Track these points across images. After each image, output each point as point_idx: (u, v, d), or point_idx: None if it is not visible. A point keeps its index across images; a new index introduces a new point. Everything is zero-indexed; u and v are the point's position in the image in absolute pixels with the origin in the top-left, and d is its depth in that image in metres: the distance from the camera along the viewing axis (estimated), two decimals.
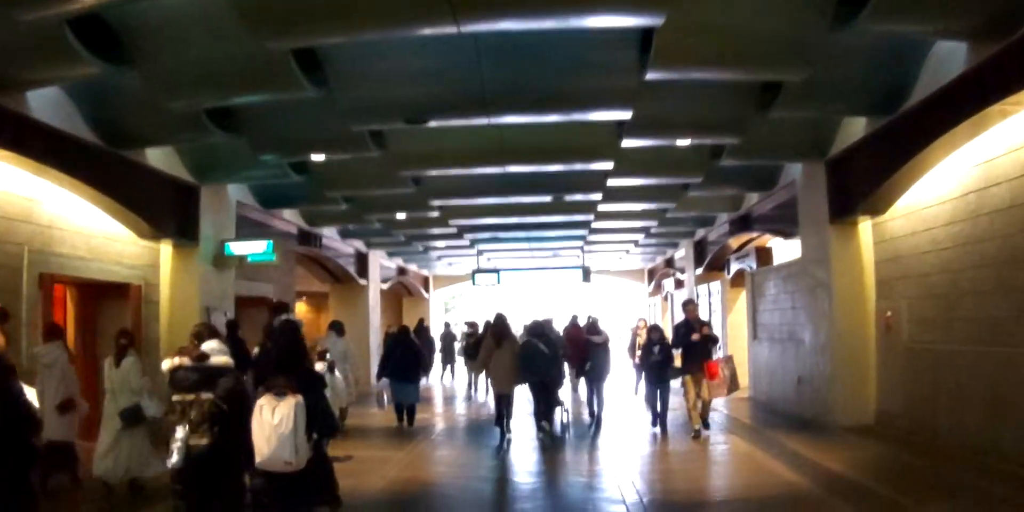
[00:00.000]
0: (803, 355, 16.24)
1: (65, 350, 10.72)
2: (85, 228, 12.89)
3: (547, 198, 19.57)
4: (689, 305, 16.51)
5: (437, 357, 32.89)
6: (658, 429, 16.03)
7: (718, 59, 10.17)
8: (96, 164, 12.21)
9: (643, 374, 16.49)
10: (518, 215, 22.49)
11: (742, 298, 22.25)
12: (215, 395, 7.26)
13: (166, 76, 10.50)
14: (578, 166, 16.31)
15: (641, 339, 19.85)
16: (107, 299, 14.26)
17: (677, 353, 15.56)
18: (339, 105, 11.79)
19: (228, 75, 10.60)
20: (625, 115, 12.29)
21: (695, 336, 15.21)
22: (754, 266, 20.60)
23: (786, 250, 19.32)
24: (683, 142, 14.13)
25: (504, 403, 15.76)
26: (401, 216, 22.07)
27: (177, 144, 14.17)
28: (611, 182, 17.16)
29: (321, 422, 7.85)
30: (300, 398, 7.52)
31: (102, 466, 9.98)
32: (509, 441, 15.50)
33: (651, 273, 40.59)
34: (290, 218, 21.01)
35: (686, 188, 18.34)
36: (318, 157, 14.70)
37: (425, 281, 42.63)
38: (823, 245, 14.81)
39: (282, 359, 8.97)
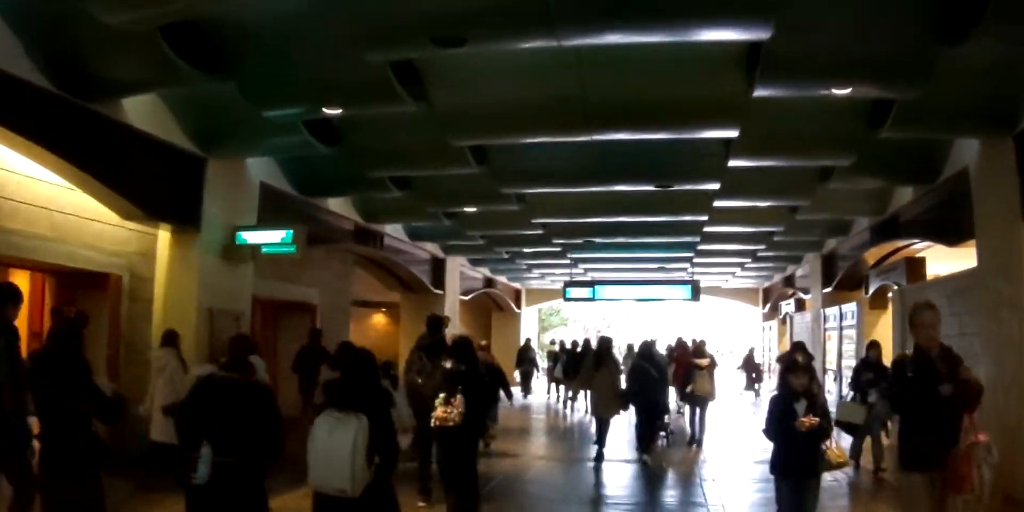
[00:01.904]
0: None
1: (176, 357, 11.39)
2: (50, 200, 10.92)
3: (650, 187, 16.09)
4: (924, 317, 7.22)
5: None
6: None
7: None
8: (51, 118, 9.85)
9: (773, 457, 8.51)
10: (615, 213, 18.92)
11: (883, 322, 19.42)
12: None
13: None
14: (688, 134, 12.74)
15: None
16: (87, 292, 12.08)
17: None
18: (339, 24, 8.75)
19: None
20: (760, 34, 8.60)
21: (948, 388, 6.82)
22: (903, 282, 17.46)
23: (944, 262, 16.71)
24: (841, 91, 10.12)
25: (602, 427, 15.46)
26: (471, 209, 18.76)
27: (147, 90, 11.23)
28: (732, 162, 13.53)
29: (385, 445, 6.87)
30: (364, 418, 6.61)
31: None
32: (603, 458, 15.03)
33: (767, 293, 38.69)
34: (342, 211, 18.27)
35: (827, 176, 14.71)
36: (333, 110, 11.45)
37: (517, 295, 40.32)
38: (1012, 249, 11.42)
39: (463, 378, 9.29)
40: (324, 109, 11.29)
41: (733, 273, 33.26)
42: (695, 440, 17.42)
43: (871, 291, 20.43)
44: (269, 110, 11.28)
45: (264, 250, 13.83)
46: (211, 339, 12.83)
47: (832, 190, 15.77)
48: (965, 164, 12.95)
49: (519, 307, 40.59)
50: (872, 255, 19.74)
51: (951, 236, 14.26)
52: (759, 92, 10.00)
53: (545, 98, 11.19)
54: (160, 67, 9.51)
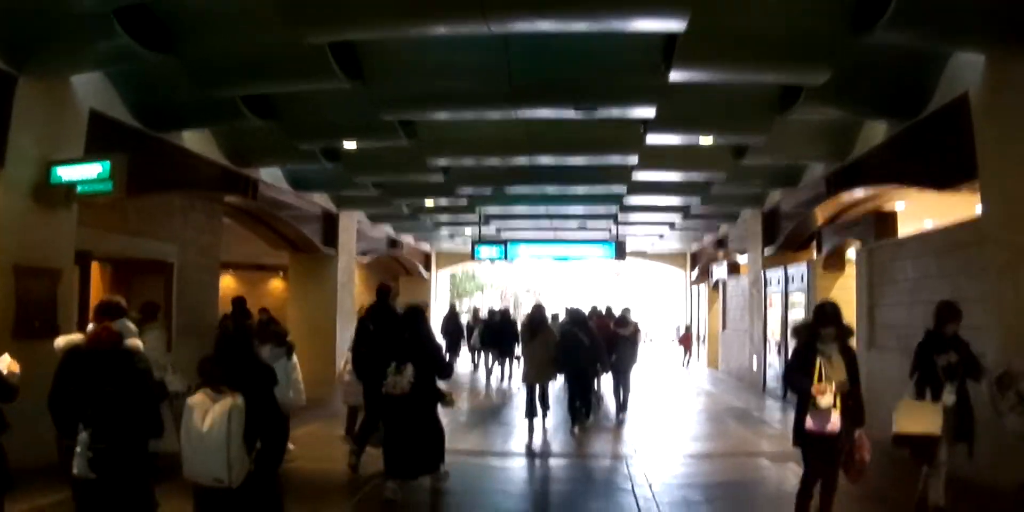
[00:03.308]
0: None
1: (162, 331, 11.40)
2: None
3: (570, 112, 13.33)
4: None
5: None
6: None
7: None
8: None
9: None
10: (528, 152, 16.27)
11: (840, 287, 17.45)
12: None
13: None
14: (618, 23, 9.84)
15: None
16: None
17: None
18: None
19: None
20: None
21: None
22: (870, 239, 15.53)
23: (920, 214, 16.08)
24: None
25: (536, 396, 15.44)
26: (351, 144, 15.76)
27: None
28: (674, 75, 10.78)
29: (267, 428, 6.32)
30: (239, 398, 6.23)
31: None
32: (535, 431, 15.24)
33: (695, 258, 36.59)
34: (203, 151, 15.31)
35: (789, 104, 12.24)
36: None
37: (426, 258, 37.68)
38: None
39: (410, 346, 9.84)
40: None
41: (660, 235, 31.26)
42: (621, 406, 17.60)
43: (825, 251, 18.51)
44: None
45: (79, 189, 11.05)
46: (17, 304, 10.34)
47: (788, 126, 13.64)
48: (964, 89, 10.81)
49: (429, 271, 38.11)
50: (824, 209, 17.62)
51: (940, 178, 11.89)
52: None
53: None
54: None
